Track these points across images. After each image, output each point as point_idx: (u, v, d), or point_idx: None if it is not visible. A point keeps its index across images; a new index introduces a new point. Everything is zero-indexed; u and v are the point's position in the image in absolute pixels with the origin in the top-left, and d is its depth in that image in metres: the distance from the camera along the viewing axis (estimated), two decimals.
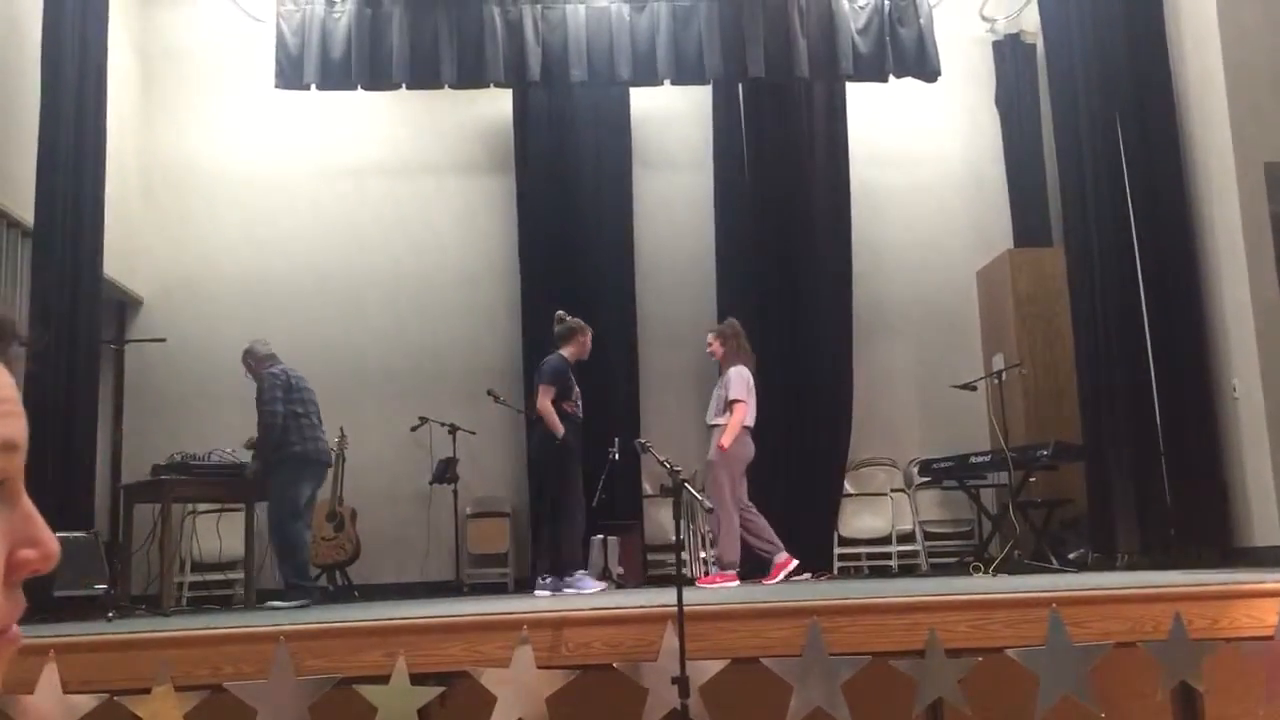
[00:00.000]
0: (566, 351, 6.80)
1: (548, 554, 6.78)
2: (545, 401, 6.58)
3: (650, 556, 8.65)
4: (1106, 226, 7.33)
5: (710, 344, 7.24)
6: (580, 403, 6.80)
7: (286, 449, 6.73)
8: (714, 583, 6.72)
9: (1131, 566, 6.82)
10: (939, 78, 8.42)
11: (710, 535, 7.01)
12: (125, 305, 8.96)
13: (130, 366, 8.87)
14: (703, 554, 8.60)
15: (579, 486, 6.73)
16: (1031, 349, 8.59)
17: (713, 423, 7.02)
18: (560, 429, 6.53)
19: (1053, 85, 8.17)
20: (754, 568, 7.11)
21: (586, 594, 6.24)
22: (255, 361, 6.99)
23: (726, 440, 6.76)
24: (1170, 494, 6.85)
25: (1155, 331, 7.04)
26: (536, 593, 6.50)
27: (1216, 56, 6.82)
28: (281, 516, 6.69)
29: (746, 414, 6.92)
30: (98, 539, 6.55)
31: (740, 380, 6.95)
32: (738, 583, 6.79)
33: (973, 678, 3.58)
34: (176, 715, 3.48)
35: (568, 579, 6.52)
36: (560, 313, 6.98)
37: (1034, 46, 9.38)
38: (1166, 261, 7.03)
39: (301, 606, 6.31)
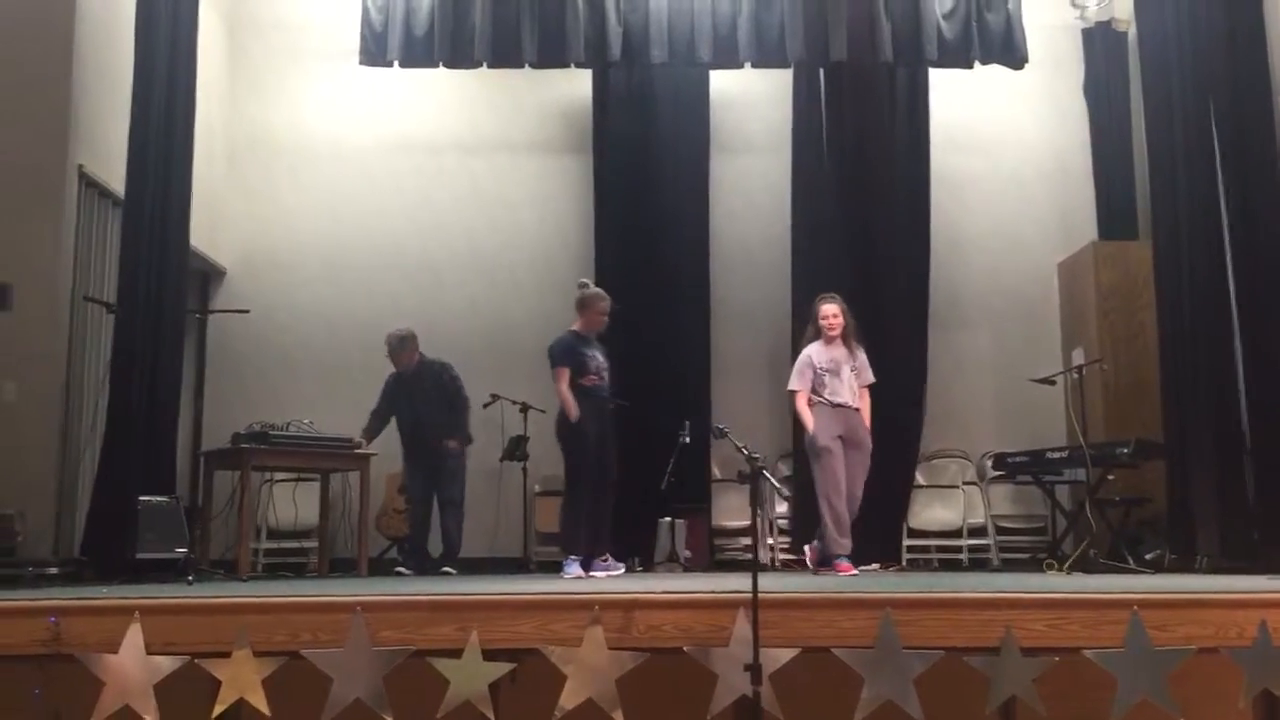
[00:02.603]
0: (577, 325, 6.64)
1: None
2: (560, 385, 6.44)
3: (717, 541, 8.65)
4: (1197, 220, 7.13)
5: (837, 315, 6.82)
6: (605, 373, 6.60)
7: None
8: (849, 570, 6.49)
9: (1210, 569, 6.67)
10: (1026, 65, 8.25)
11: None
12: (209, 275, 9.14)
13: (212, 336, 9.05)
14: (769, 540, 8.57)
15: (589, 467, 6.44)
16: (1113, 344, 8.41)
17: (858, 405, 6.77)
18: (574, 412, 6.38)
19: (1145, 75, 7.97)
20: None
21: (565, 578, 6.05)
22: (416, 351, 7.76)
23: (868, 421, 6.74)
24: (1254, 495, 6.67)
25: (1244, 329, 6.84)
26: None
27: None
28: (464, 495, 7.67)
29: None
30: (179, 504, 6.71)
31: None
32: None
33: (1048, 677, 3.52)
34: (255, 679, 3.55)
35: (565, 563, 6.35)
36: (582, 280, 6.87)
37: (1125, 35, 9.17)
38: (1259, 258, 6.82)
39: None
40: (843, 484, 6.61)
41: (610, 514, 6.66)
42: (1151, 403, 7.79)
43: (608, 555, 6.62)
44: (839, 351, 6.79)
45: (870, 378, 6.85)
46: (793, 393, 6.82)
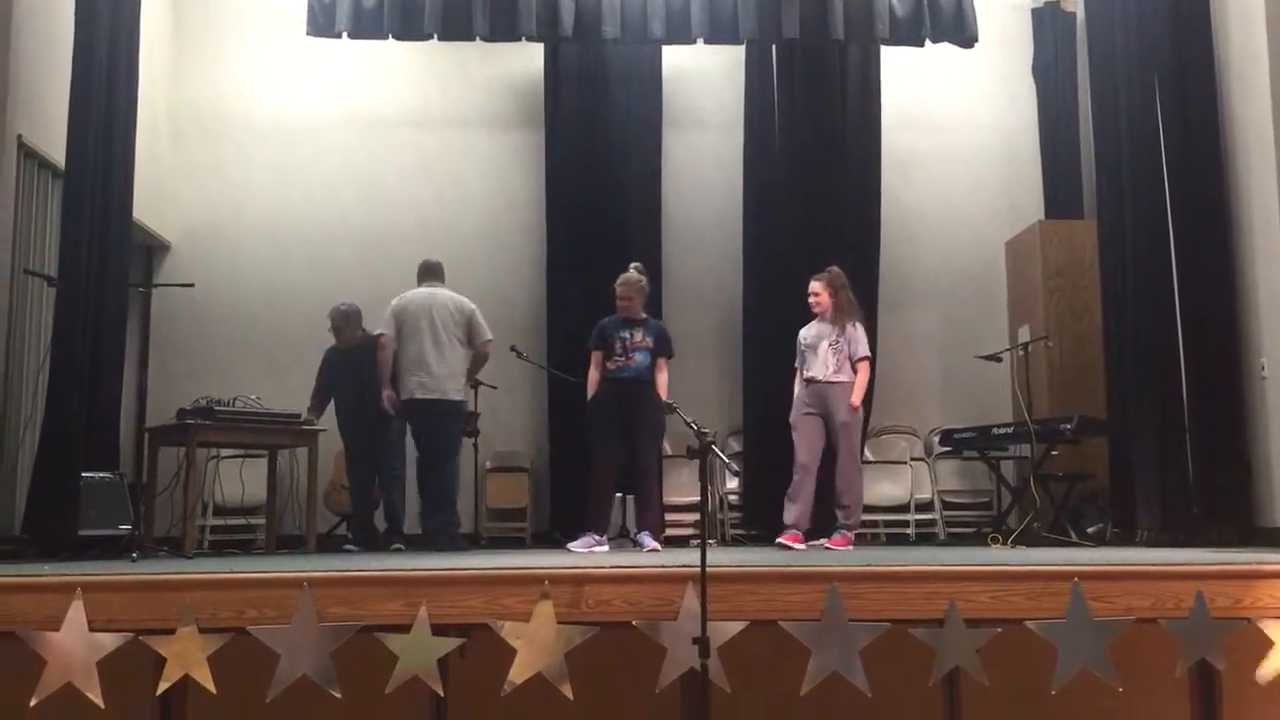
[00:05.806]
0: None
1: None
2: (591, 365, 6.67)
3: (668, 516, 8.66)
4: (1140, 200, 7.24)
5: (816, 294, 6.90)
6: (625, 355, 6.56)
7: None
8: (842, 545, 6.55)
9: (1150, 543, 6.80)
10: (976, 44, 8.31)
11: (840, 497, 6.71)
12: (153, 249, 8.99)
13: (157, 310, 8.92)
14: (719, 515, 8.62)
15: (597, 445, 6.56)
16: (1059, 322, 8.52)
17: (831, 379, 6.72)
18: (590, 391, 6.61)
19: (1092, 56, 8.06)
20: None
21: (574, 551, 6.13)
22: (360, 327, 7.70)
23: (857, 398, 6.68)
24: (1193, 471, 6.80)
25: (1185, 308, 6.96)
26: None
27: (1261, 33, 6.69)
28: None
29: None
30: (123, 480, 6.60)
31: (864, 337, 6.83)
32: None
33: (991, 648, 3.59)
34: (200, 656, 3.52)
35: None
36: (635, 264, 6.93)
37: (1074, 15, 9.25)
38: (1200, 238, 6.94)
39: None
40: (803, 456, 6.70)
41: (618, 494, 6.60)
42: (1095, 379, 7.91)
43: (589, 532, 6.39)
44: (823, 327, 6.86)
45: (862, 350, 6.77)
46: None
